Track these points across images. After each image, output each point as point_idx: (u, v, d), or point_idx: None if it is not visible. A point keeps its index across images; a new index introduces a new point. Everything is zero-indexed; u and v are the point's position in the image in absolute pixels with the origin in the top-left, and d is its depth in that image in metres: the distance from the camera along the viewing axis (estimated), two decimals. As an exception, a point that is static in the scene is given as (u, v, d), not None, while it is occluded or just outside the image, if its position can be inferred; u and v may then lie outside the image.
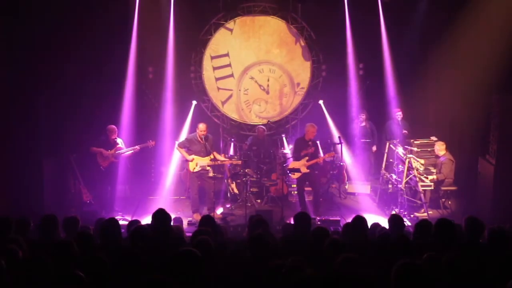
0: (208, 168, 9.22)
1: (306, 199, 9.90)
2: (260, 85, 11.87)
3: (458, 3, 10.01)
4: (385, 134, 11.08)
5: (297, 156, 9.40)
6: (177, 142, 10.11)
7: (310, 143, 9.34)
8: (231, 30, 11.66)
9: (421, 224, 5.31)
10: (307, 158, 9.26)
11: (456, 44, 10.08)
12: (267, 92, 11.91)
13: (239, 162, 9.79)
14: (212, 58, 11.72)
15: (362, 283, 3.04)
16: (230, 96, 11.91)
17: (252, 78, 11.84)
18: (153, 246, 4.77)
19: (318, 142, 9.97)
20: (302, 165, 9.27)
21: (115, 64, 10.49)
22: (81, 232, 5.28)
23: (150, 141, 9.67)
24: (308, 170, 9.30)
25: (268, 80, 11.86)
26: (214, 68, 11.77)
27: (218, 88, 11.86)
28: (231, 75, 11.83)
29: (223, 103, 11.92)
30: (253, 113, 11.99)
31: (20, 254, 4.18)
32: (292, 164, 9.45)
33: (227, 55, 11.76)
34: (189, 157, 9.15)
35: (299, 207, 9.52)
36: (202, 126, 9.19)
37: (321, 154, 9.88)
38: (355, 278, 3.04)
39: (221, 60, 11.79)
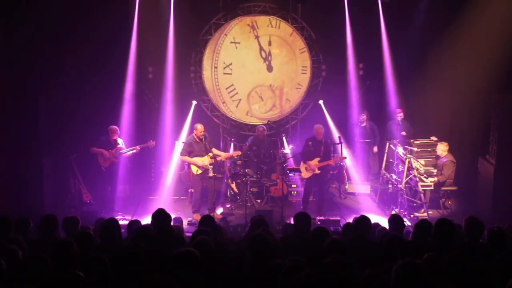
0: (210, 166, 9.21)
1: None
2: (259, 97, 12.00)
3: (458, 3, 10.01)
4: (386, 135, 11.08)
5: (308, 156, 9.41)
6: (177, 142, 10.11)
7: (310, 143, 9.34)
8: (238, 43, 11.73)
9: (421, 225, 5.30)
10: (319, 159, 9.29)
11: (456, 44, 10.08)
12: (262, 99, 11.97)
13: (239, 153, 9.78)
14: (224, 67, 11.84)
15: (349, 284, 3.03)
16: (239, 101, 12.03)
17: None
18: (153, 246, 4.77)
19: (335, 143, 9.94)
20: (314, 165, 9.30)
21: (115, 64, 10.49)
22: (81, 232, 5.28)
23: (151, 141, 9.68)
24: (319, 171, 9.33)
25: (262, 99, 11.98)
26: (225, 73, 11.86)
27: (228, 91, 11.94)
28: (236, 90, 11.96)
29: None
30: (255, 112, 12.02)
31: (20, 254, 4.18)
32: (303, 164, 9.48)
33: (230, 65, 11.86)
34: (199, 162, 9.13)
35: (300, 207, 9.54)
36: (200, 127, 9.18)
37: (338, 154, 9.87)
38: (344, 278, 3.04)
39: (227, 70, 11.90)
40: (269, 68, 11.87)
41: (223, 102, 11.94)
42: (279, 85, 11.94)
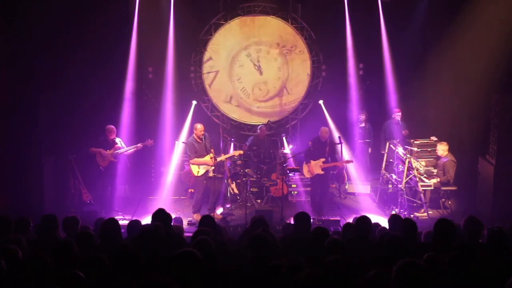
0: (210, 168, 9.21)
1: (304, 199, 9.95)
2: (254, 65, 11.83)
3: (458, 3, 10.02)
4: (383, 134, 11.05)
5: (311, 156, 9.42)
6: (177, 142, 10.09)
7: (310, 142, 9.37)
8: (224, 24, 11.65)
9: (407, 224, 5.29)
10: (323, 159, 9.30)
11: (456, 44, 10.09)
12: (261, 73, 11.87)
13: (241, 152, 9.77)
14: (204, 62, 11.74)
15: (349, 284, 3.03)
16: (231, 97, 11.92)
17: (241, 65, 11.79)
18: (157, 246, 4.77)
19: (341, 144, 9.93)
20: (318, 166, 9.31)
21: (115, 64, 10.49)
22: (81, 232, 5.28)
23: (149, 140, 9.67)
24: (322, 172, 9.34)
25: (258, 61, 11.81)
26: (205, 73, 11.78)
27: (216, 90, 11.87)
28: (217, 71, 11.82)
29: (228, 102, 11.92)
30: (254, 100, 11.93)
31: (20, 254, 4.18)
32: (305, 165, 9.50)
33: (210, 59, 11.74)
34: (210, 161, 9.11)
35: (300, 207, 9.53)
36: (200, 127, 9.19)
37: (339, 156, 9.87)
38: (344, 278, 3.03)
39: (208, 65, 11.78)
40: (260, 73, 11.83)
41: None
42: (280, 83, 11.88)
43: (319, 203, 9.56)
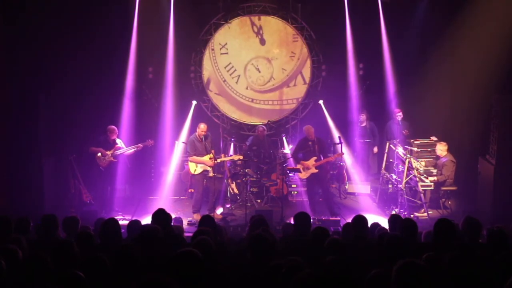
0: (209, 168, 9.23)
1: (304, 199, 9.94)
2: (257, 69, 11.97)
3: (458, 4, 10.02)
4: (385, 135, 11.07)
5: (295, 156, 9.43)
6: (177, 142, 10.09)
7: (310, 143, 9.38)
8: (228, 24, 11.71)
9: (407, 224, 5.29)
10: (315, 158, 9.30)
11: (456, 44, 10.10)
12: (259, 71, 11.92)
13: (241, 157, 9.77)
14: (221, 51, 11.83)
15: (349, 284, 3.03)
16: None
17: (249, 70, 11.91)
18: (157, 246, 4.77)
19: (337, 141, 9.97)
20: (311, 165, 9.31)
21: (115, 64, 10.49)
22: (81, 232, 5.28)
23: (149, 140, 9.68)
24: (317, 170, 9.34)
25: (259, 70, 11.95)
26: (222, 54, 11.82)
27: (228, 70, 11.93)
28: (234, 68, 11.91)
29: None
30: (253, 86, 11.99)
31: (20, 254, 4.17)
32: (300, 165, 9.51)
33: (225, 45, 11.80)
34: (208, 161, 9.12)
35: (300, 207, 9.53)
36: (203, 126, 9.21)
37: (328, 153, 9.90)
38: (344, 278, 3.04)
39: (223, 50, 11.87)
40: (262, 42, 11.82)
41: (224, 81, 11.92)
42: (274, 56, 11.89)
43: (326, 203, 9.53)
